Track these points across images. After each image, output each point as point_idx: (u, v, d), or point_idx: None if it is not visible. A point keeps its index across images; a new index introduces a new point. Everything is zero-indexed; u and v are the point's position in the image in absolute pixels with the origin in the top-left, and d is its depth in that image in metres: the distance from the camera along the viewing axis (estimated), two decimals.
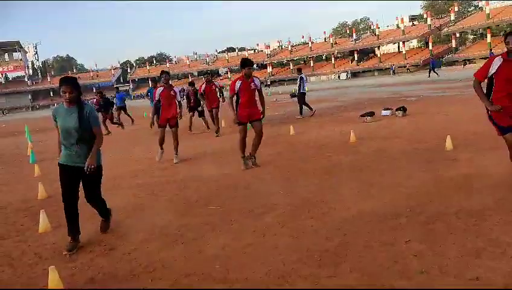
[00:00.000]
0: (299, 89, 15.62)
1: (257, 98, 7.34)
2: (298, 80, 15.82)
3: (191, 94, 14.86)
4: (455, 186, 5.10)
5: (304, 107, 15.55)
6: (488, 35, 59.90)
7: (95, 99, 19.31)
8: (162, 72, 8.74)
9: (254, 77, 7.33)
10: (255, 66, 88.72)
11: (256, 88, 7.26)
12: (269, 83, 74.43)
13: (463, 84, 23.47)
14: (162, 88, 8.57)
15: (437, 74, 37.26)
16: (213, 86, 13.34)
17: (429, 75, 37.12)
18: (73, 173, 4.30)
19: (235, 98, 7.18)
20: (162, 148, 8.93)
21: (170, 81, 8.87)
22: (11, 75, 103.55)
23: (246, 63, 7.16)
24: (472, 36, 70.40)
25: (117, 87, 24.41)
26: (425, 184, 5.34)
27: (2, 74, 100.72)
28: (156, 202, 5.95)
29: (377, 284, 3.08)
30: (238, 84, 7.10)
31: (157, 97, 8.58)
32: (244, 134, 7.27)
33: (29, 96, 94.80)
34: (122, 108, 19.42)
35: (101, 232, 4.79)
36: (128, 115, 19.86)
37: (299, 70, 16.46)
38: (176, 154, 8.77)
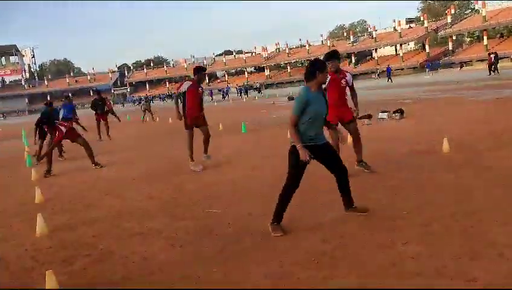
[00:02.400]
0: None
1: (347, 97, 6.44)
2: None
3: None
4: (452, 188, 5.11)
5: None
6: (485, 38, 60.09)
7: None
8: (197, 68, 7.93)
9: (346, 71, 6.46)
10: (252, 69, 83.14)
11: (348, 85, 6.28)
12: (258, 86, 66.18)
13: (459, 86, 23.57)
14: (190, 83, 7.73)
15: (391, 81, 42.36)
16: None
17: (390, 81, 42.60)
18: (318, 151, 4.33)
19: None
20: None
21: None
22: (8, 79, 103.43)
23: (328, 56, 6.06)
24: (469, 39, 70.59)
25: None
26: (423, 186, 5.34)
27: None
28: (153, 205, 5.93)
29: (375, 286, 3.08)
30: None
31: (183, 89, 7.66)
32: (335, 136, 5.99)
33: (26, 100, 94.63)
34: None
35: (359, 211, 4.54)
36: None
37: None
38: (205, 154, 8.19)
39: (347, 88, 6.37)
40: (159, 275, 3.66)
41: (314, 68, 4.28)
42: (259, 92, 56.59)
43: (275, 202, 5.41)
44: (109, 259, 4.14)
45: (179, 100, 7.93)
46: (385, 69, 63.79)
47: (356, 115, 6.42)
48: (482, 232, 3.74)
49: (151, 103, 16.67)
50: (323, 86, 5.85)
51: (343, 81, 6.20)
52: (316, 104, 4.27)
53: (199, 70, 7.93)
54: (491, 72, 31.78)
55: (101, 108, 15.33)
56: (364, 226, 4.23)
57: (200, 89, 7.94)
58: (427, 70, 53.94)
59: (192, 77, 8.07)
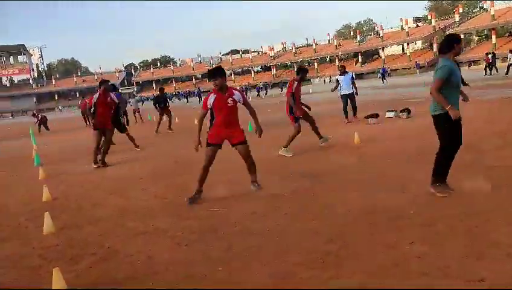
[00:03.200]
0: (356, 89, 13.48)
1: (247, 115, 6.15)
2: (349, 79, 13.36)
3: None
4: (458, 188, 5.08)
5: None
6: (493, 36, 59.61)
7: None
8: None
9: (234, 89, 5.99)
10: (258, 68, 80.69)
11: (238, 102, 5.81)
12: (280, 84, 66.74)
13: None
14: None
15: (384, 81, 42.26)
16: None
17: (383, 81, 42.57)
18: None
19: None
20: None
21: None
22: (16, 78, 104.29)
23: (212, 73, 5.72)
24: (477, 37, 70.05)
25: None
26: (428, 185, 5.31)
27: (7, 77, 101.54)
28: (159, 204, 5.96)
29: (380, 286, 3.08)
30: (211, 99, 5.71)
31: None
32: (208, 160, 5.85)
33: (34, 99, 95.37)
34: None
35: None
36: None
37: (344, 68, 14.08)
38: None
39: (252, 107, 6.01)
40: (164, 274, 3.68)
41: (452, 41, 4.73)
42: (281, 90, 54.63)
43: (275, 202, 5.43)
44: (115, 258, 4.17)
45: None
46: (388, 69, 63.82)
47: (259, 135, 6.08)
48: (486, 232, 3.72)
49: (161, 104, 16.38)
50: (209, 105, 5.75)
51: (229, 100, 5.72)
52: (456, 71, 4.70)
53: (302, 70, 9.39)
54: (489, 71, 31.56)
55: (163, 103, 16.65)
56: (370, 225, 4.22)
57: (300, 87, 9.08)
58: (417, 70, 53.32)
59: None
